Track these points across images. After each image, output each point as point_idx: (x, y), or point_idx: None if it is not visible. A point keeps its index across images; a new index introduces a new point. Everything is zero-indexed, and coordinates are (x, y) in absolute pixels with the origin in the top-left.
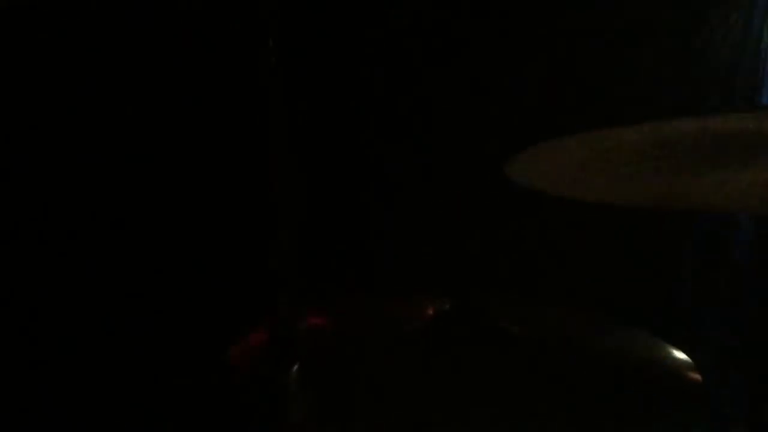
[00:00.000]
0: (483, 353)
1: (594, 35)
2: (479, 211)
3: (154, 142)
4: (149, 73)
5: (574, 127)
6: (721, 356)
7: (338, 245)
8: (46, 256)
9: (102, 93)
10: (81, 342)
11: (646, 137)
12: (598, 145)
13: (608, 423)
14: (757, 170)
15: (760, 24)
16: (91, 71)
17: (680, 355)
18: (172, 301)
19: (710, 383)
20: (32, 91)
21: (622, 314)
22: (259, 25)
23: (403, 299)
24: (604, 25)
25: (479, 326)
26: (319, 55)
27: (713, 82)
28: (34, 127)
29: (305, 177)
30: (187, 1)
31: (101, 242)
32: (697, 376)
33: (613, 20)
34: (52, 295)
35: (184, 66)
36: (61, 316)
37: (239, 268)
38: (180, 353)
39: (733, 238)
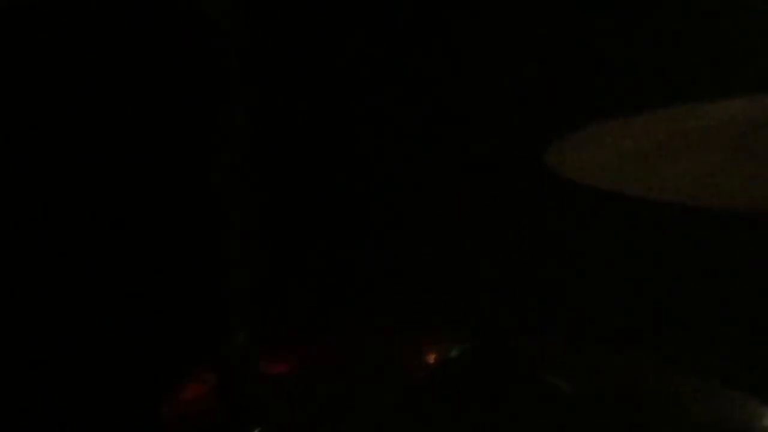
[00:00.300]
0: (519, 421)
1: None
2: (507, 214)
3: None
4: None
5: (639, 104)
6: None
7: (311, 264)
8: None
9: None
10: None
11: (741, 115)
12: (673, 126)
13: None
14: None
15: None
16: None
17: None
18: (89, 337)
19: None
20: None
21: (707, 364)
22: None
23: (399, 336)
24: None
25: (513, 380)
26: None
27: None
28: None
29: (256, 175)
30: None
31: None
32: None
33: None
34: None
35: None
36: None
37: (177, 290)
38: (100, 404)
39: None
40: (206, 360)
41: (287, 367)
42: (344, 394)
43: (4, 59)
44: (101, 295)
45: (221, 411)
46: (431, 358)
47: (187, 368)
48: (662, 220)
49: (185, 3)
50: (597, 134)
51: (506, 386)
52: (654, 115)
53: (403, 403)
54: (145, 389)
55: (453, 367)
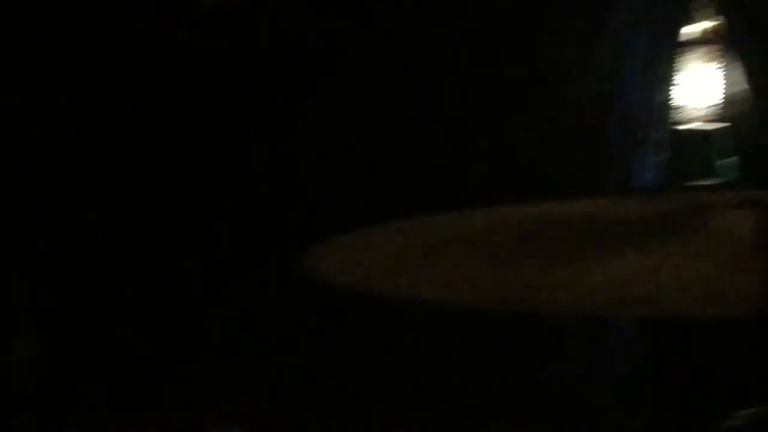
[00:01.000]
0: None
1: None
2: (271, 313)
3: None
4: None
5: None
6: None
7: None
8: None
9: None
10: None
11: (489, 224)
12: (423, 234)
13: None
14: (620, 263)
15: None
16: None
17: None
18: None
19: None
20: None
21: None
22: None
23: (177, 423)
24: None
25: None
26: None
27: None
28: None
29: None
30: None
31: None
32: None
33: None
34: None
35: None
36: None
37: None
38: None
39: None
40: None
41: None
42: None
43: None
44: None
45: None
46: None
47: None
48: (425, 321)
49: None
50: (357, 239)
51: None
52: (413, 222)
53: None
54: None
55: None
